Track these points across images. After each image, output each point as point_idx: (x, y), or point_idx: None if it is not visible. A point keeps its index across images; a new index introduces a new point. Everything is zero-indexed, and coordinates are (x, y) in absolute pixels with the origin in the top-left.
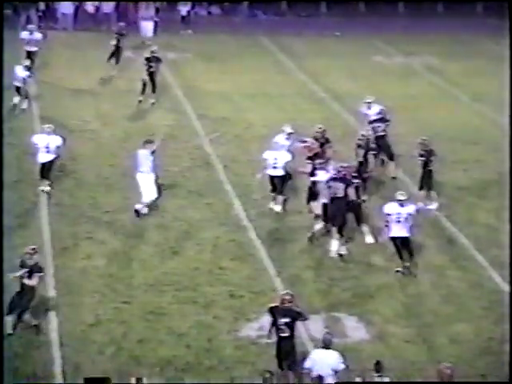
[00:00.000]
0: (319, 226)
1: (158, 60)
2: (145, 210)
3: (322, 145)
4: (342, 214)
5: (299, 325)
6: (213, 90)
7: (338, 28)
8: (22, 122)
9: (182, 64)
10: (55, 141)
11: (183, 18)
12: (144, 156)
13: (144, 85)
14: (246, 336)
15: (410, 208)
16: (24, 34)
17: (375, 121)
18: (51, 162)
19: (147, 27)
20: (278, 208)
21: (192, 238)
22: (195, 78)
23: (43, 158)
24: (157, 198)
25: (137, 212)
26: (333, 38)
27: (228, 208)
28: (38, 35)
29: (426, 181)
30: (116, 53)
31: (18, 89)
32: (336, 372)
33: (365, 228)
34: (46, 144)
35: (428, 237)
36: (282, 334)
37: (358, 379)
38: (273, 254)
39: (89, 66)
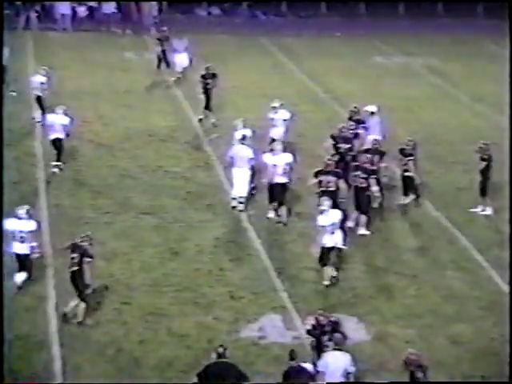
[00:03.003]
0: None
1: (213, 76)
2: (241, 207)
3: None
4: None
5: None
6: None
7: (338, 28)
8: (21, 124)
9: None
10: (61, 120)
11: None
12: (241, 152)
13: (208, 101)
14: (246, 337)
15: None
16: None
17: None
18: (59, 141)
19: (181, 59)
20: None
21: (192, 238)
22: (195, 78)
23: (52, 136)
24: (246, 198)
25: (234, 207)
26: (333, 39)
27: (228, 209)
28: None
29: (483, 186)
30: (163, 57)
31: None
32: (347, 374)
33: (362, 218)
34: (51, 123)
35: (428, 237)
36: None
37: None
38: (273, 254)
39: (88, 67)
